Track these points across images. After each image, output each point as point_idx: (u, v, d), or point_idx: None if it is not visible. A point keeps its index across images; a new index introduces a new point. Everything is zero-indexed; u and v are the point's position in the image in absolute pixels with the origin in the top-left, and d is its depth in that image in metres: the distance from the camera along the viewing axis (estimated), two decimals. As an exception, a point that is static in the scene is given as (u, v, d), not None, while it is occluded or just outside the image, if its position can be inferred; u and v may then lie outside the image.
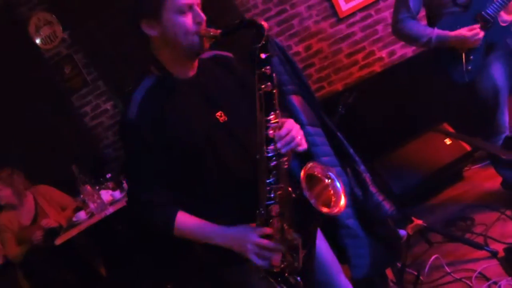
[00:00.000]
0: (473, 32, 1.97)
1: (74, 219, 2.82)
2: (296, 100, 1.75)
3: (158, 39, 1.19)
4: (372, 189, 1.78)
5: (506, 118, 2.18)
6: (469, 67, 2.05)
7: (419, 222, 2.24)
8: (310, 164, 1.22)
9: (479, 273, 1.94)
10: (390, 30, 3.10)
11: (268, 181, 1.14)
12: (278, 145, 1.12)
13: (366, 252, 1.75)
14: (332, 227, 1.73)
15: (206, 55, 1.31)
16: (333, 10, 3.33)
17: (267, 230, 1.16)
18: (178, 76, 1.22)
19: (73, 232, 2.68)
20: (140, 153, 1.20)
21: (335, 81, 3.47)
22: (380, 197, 1.78)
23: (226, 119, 1.23)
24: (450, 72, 2.10)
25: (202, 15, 1.17)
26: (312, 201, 1.15)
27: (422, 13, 2.19)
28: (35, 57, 3.49)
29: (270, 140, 1.12)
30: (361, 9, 3.31)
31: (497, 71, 2.08)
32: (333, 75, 3.46)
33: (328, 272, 1.46)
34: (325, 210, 1.18)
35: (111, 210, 2.72)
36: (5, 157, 3.28)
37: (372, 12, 3.32)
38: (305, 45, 3.42)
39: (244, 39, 1.12)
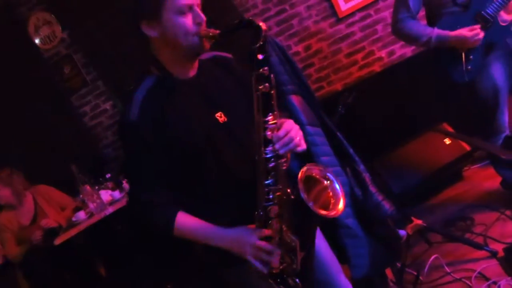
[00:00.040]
0: (474, 32, 1.97)
1: (73, 219, 2.82)
2: (296, 100, 1.75)
3: (158, 39, 1.19)
4: (372, 188, 1.78)
5: (506, 118, 2.18)
6: (469, 67, 2.05)
7: (419, 222, 2.24)
8: (308, 166, 1.22)
9: (479, 273, 1.94)
10: (389, 30, 3.11)
11: (266, 182, 1.13)
12: (276, 146, 1.11)
13: (365, 251, 1.75)
14: (332, 226, 1.73)
15: (206, 55, 1.31)
16: (332, 10, 3.34)
17: (266, 232, 1.16)
18: (178, 76, 1.22)
19: (73, 232, 2.68)
20: (140, 153, 1.20)
21: (334, 81, 3.47)
22: (380, 197, 1.78)
23: (226, 119, 1.23)
24: (450, 71, 2.10)
25: (202, 15, 1.17)
26: (310, 203, 1.15)
27: (422, 12, 2.19)
28: (34, 57, 3.49)
29: (268, 141, 1.12)
30: (361, 9, 3.31)
31: (497, 71, 2.08)
32: (333, 75, 3.46)
33: (328, 271, 1.46)
34: (323, 212, 1.17)
35: (110, 210, 2.72)
36: (4, 157, 3.28)
37: (372, 12, 3.32)
38: (305, 45, 3.42)
39: (244, 39, 1.11)
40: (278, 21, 3.40)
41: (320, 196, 1.23)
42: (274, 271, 1.21)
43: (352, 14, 3.32)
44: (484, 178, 2.69)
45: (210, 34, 1.14)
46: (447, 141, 2.69)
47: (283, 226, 1.18)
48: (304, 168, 1.20)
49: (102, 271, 3.02)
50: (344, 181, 1.76)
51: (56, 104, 3.54)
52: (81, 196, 2.86)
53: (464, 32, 1.98)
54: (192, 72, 1.25)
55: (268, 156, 1.12)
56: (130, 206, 1.31)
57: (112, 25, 3.30)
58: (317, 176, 1.24)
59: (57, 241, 2.66)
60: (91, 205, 2.74)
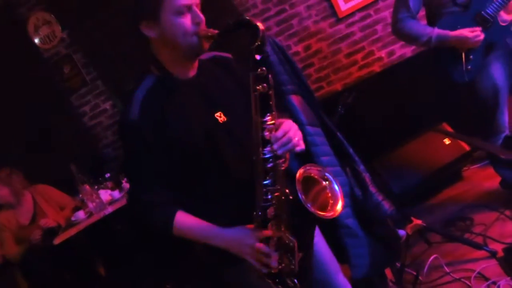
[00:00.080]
0: (475, 33, 1.97)
1: (72, 218, 2.82)
2: (295, 100, 1.75)
3: (158, 40, 1.19)
4: (372, 189, 1.78)
5: (506, 117, 2.18)
6: (469, 67, 2.05)
7: (418, 222, 2.24)
8: (306, 167, 1.21)
9: (478, 273, 1.94)
10: (389, 30, 3.12)
11: (264, 182, 1.13)
12: (275, 146, 1.11)
13: (365, 251, 1.75)
14: (332, 226, 1.73)
15: (206, 56, 1.32)
16: (332, 10, 3.34)
17: (265, 233, 1.16)
18: (178, 76, 1.23)
19: (72, 231, 2.68)
20: (140, 153, 1.20)
21: (334, 81, 3.47)
22: (380, 197, 1.78)
23: (225, 119, 1.23)
24: (450, 71, 2.10)
25: (201, 15, 1.17)
26: (308, 204, 1.15)
27: (422, 12, 2.19)
28: (34, 57, 3.49)
29: (267, 142, 1.11)
30: (360, 9, 3.32)
31: (497, 71, 2.08)
32: (332, 75, 3.46)
33: (327, 271, 1.46)
34: (321, 213, 1.17)
35: (110, 209, 2.72)
36: (4, 156, 3.27)
37: (371, 12, 3.33)
38: (305, 45, 3.42)
39: (244, 39, 1.11)
40: (278, 21, 3.40)
41: (318, 197, 1.22)
42: (272, 271, 1.21)
43: (352, 14, 3.33)
44: (484, 178, 2.69)
45: (209, 34, 1.14)
46: (447, 141, 2.69)
47: (282, 227, 1.18)
48: (302, 169, 1.20)
49: (102, 271, 3.02)
50: (344, 181, 1.76)
51: (56, 103, 3.54)
52: (80, 195, 2.86)
53: (464, 32, 1.99)
54: (192, 72, 1.25)
55: (266, 156, 1.12)
56: (130, 206, 1.30)
57: (111, 25, 3.30)
58: (316, 177, 1.23)
59: (56, 241, 2.66)
60: (91, 205, 2.74)
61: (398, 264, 2.11)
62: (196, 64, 1.26)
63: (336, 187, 1.23)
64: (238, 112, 1.25)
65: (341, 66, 3.44)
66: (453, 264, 2.08)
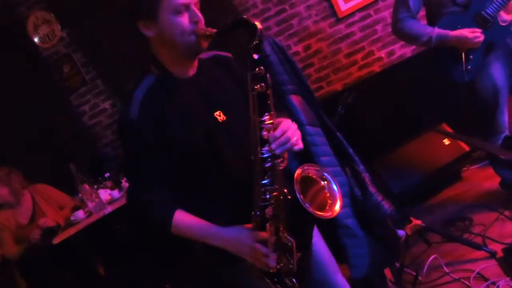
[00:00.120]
0: (475, 34, 1.97)
1: (72, 218, 2.82)
2: (295, 100, 1.75)
3: (156, 39, 1.19)
4: (371, 189, 1.78)
5: (506, 117, 2.18)
6: (469, 67, 2.06)
7: (418, 222, 2.24)
8: (305, 166, 1.21)
9: (478, 273, 1.94)
10: (389, 30, 3.12)
11: (263, 182, 1.13)
12: (273, 146, 1.11)
13: (365, 251, 1.75)
14: (331, 226, 1.73)
15: (206, 55, 1.32)
16: (332, 10, 3.34)
17: (263, 235, 1.16)
18: (178, 75, 1.22)
19: (71, 231, 2.68)
20: (140, 152, 1.20)
21: (334, 81, 3.47)
22: (379, 197, 1.78)
23: (225, 118, 1.23)
24: (450, 71, 2.11)
25: (199, 14, 1.16)
26: (306, 204, 1.14)
27: (422, 12, 2.19)
28: (33, 56, 3.48)
29: (265, 141, 1.11)
30: (360, 9, 3.32)
31: (497, 71, 2.08)
32: (332, 75, 3.46)
33: (325, 271, 1.46)
34: (319, 213, 1.17)
35: (109, 209, 2.71)
36: (3, 156, 3.27)
37: (371, 12, 3.33)
38: (304, 45, 3.42)
39: (243, 39, 1.11)
40: (278, 21, 3.40)
41: (317, 197, 1.22)
42: (271, 271, 1.21)
43: (352, 14, 3.33)
44: (483, 179, 2.70)
45: (207, 33, 1.14)
46: (446, 141, 2.70)
47: (280, 227, 1.18)
48: (300, 169, 1.20)
49: (101, 271, 3.02)
50: (343, 181, 1.76)
51: (55, 103, 3.53)
52: (80, 195, 2.85)
53: (464, 32, 1.99)
54: (192, 71, 1.25)
55: (264, 156, 1.11)
56: (129, 205, 1.30)
57: (111, 24, 3.30)
58: (314, 177, 1.23)
59: (56, 240, 2.65)
60: (90, 204, 2.74)
61: (397, 264, 2.12)
62: (195, 63, 1.26)
63: (335, 187, 1.23)
64: (237, 111, 1.25)
65: (341, 66, 3.44)
66: (452, 264, 2.08)
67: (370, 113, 3.04)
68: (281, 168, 1.15)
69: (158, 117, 1.17)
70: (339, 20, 3.35)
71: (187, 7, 1.14)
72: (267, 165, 1.12)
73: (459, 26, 2.00)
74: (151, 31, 1.17)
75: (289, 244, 1.18)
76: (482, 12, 1.98)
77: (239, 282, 1.34)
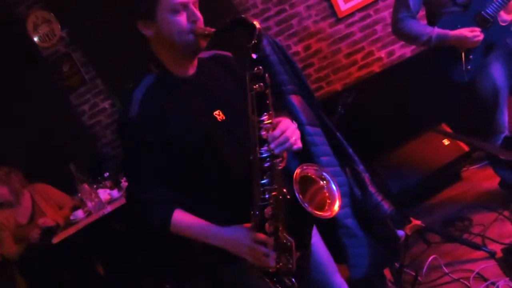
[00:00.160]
0: (474, 33, 1.97)
1: (71, 217, 2.81)
2: (295, 99, 1.74)
3: (155, 39, 1.19)
4: (371, 189, 1.78)
5: (506, 118, 2.18)
6: (469, 67, 2.06)
7: (418, 222, 2.24)
8: (304, 166, 1.21)
9: (477, 273, 1.94)
10: (389, 30, 3.12)
11: (262, 182, 1.13)
12: (272, 146, 1.11)
13: (364, 251, 1.75)
14: (331, 226, 1.73)
15: (206, 54, 1.32)
16: (332, 10, 3.34)
17: (262, 235, 1.16)
18: (177, 74, 1.23)
19: (71, 231, 2.68)
20: (139, 151, 1.20)
21: (334, 81, 3.47)
22: (379, 197, 1.78)
23: (224, 118, 1.23)
24: (450, 71, 2.11)
25: (198, 13, 1.17)
26: (305, 204, 1.14)
27: (422, 13, 2.19)
28: (33, 55, 3.48)
29: (264, 141, 1.11)
30: (360, 9, 3.32)
31: (497, 71, 2.08)
32: (332, 75, 3.46)
33: (324, 271, 1.46)
34: (318, 213, 1.17)
35: (109, 209, 2.71)
36: (3, 155, 3.26)
37: (371, 12, 3.33)
38: (304, 45, 3.42)
39: (243, 38, 1.11)
40: (278, 21, 3.40)
41: (316, 196, 1.22)
42: (270, 270, 1.21)
43: (351, 14, 3.33)
44: (483, 179, 2.70)
45: (206, 32, 1.14)
46: (446, 141, 2.70)
47: (279, 226, 1.18)
48: (299, 169, 1.20)
49: (100, 270, 3.02)
50: (343, 181, 1.76)
51: (55, 102, 3.53)
52: (79, 194, 2.85)
53: (464, 31, 1.99)
54: (192, 71, 1.25)
55: (263, 156, 1.11)
56: (129, 204, 1.30)
57: (111, 23, 3.29)
58: (313, 176, 1.23)
59: (55, 240, 2.65)
60: (90, 204, 2.74)
61: (397, 265, 2.12)
62: (195, 62, 1.26)
63: (334, 187, 1.23)
64: (237, 111, 1.24)
65: (341, 66, 3.44)
66: (452, 264, 2.09)
67: (369, 113, 3.04)
68: (280, 168, 1.15)
69: (157, 117, 1.17)
70: (339, 20, 3.35)
71: (185, 6, 1.14)
72: (266, 164, 1.12)
73: (459, 26, 2.01)
74: (150, 31, 1.18)
75: (289, 243, 1.18)
76: (482, 12, 1.98)
77: (239, 282, 1.34)
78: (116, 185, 3.06)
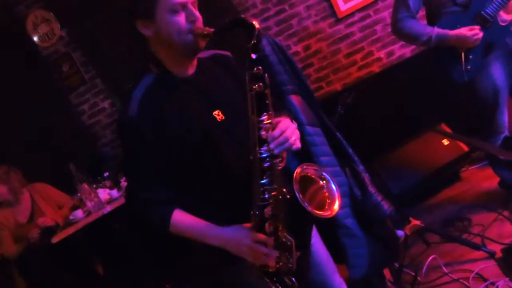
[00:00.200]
0: (473, 32, 1.97)
1: (71, 217, 2.81)
2: (295, 100, 1.74)
3: (154, 38, 1.19)
4: (371, 189, 1.78)
5: (506, 118, 2.18)
6: (469, 67, 2.06)
7: (417, 222, 2.25)
8: (304, 166, 1.21)
9: (477, 273, 1.94)
10: (388, 30, 3.12)
11: (262, 182, 1.13)
12: (271, 145, 1.11)
13: (364, 252, 1.75)
14: (330, 226, 1.73)
15: (205, 54, 1.32)
16: (332, 10, 3.34)
17: (262, 236, 1.16)
18: (177, 74, 1.23)
19: (70, 230, 2.68)
20: (139, 151, 1.20)
21: (333, 81, 3.47)
22: (379, 197, 1.78)
23: (223, 117, 1.23)
24: (450, 71, 2.11)
25: (197, 13, 1.17)
26: (305, 203, 1.14)
27: (422, 13, 2.19)
28: (32, 55, 3.47)
29: (263, 141, 1.11)
30: (360, 9, 3.32)
31: (497, 71, 2.08)
32: (332, 75, 3.47)
33: (323, 272, 1.46)
34: (318, 212, 1.17)
35: (108, 208, 2.71)
36: (2, 155, 3.26)
37: (371, 13, 3.33)
38: (304, 45, 3.42)
39: (242, 38, 1.11)
40: (278, 21, 3.40)
41: (315, 196, 1.23)
42: (270, 270, 1.21)
43: (351, 14, 3.33)
44: (482, 179, 2.70)
45: (205, 32, 1.14)
46: (445, 141, 2.70)
47: (279, 226, 1.18)
48: (299, 169, 1.20)
49: (100, 270, 3.02)
50: (343, 181, 1.76)
51: (55, 102, 3.53)
52: (79, 194, 2.85)
53: (463, 31, 1.99)
54: (191, 70, 1.25)
55: (263, 156, 1.11)
56: (128, 204, 1.30)
57: (110, 23, 3.29)
58: (313, 176, 1.24)
59: (55, 240, 2.65)
60: (89, 204, 2.73)
61: (396, 265, 2.12)
62: (195, 62, 1.26)
63: (334, 187, 1.23)
64: (237, 111, 1.24)
65: (341, 66, 3.44)
66: (451, 264, 2.09)
67: (369, 113, 3.05)
68: (280, 168, 1.15)
69: (157, 116, 1.17)
70: (338, 20, 3.35)
71: (184, 6, 1.14)
72: (266, 164, 1.12)
73: (458, 26, 2.01)
74: (149, 31, 1.18)
75: (289, 243, 1.18)
76: (482, 12, 1.98)
77: (239, 282, 1.34)
78: (115, 185, 3.06)
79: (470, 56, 2.04)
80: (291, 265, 1.21)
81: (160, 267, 2.83)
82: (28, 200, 3.00)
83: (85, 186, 2.75)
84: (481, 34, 1.97)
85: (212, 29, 1.13)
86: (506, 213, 2.25)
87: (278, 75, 1.73)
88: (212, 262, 1.33)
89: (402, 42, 3.23)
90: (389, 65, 3.37)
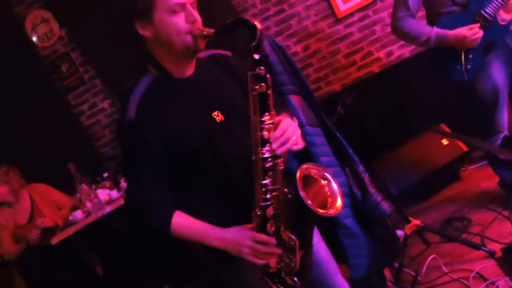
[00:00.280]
0: (473, 31, 1.97)
1: (70, 218, 2.81)
2: (295, 100, 1.74)
3: (153, 39, 1.18)
4: (371, 189, 1.78)
5: (505, 117, 2.19)
6: (468, 66, 2.06)
7: (417, 222, 2.25)
8: (306, 165, 1.22)
9: (477, 273, 1.95)
10: (388, 30, 3.13)
11: (263, 182, 1.13)
12: (273, 146, 1.11)
13: (364, 251, 1.75)
14: (331, 226, 1.73)
15: (204, 54, 1.31)
16: (331, 10, 3.34)
17: (263, 237, 1.16)
18: (175, 75, 1.22)
19: (70, 231, 2.67)
20: (138, 154, 1.20)
21: (333, 81, 3.47)
22: (379, 197, 1.78)
23: (223, 118, 1.23)
24: (450, 71, 2.11)
25: (196, 14, 1.16)
26: (308, 202, 1.15)
27: (422, 12, 2.20)
28: (31, 55, 3.47)
29: (265, 141, 1.11)
30: (359, 10, 3.32)
31: (497, 70, 2.08)
32: (331, 75, 3.47)
33: (325, 272, 1.46)
34: (321, 211, 1.17)
35: (108, 209, 2.70)
36: (1, 155, 3.25)
37: (370, 13, 3.33)
38: (303, 45, 3.42)
39: (243, 38, 1.11)
40: (277, 21, 3.40)
41: (317, 195, 1.23)
42: (271, 271, 1.21)
43: (350, 14, 3.33)
44: (482, 179, 2.70)
45: (204, 33, 1.14)
46: (445, 141, 2.70)
47: (281, 226, 1.18)
48: (303, 167, 1.20)
49: (99, 271, 3.01)
50: (343, 181, 1.76)
51: (54, 102, 3.52)
52: (78, 195, 2.84)
53: (463, 31, 1.99)
54: (190, 71, 1.24)
55: (265, 156, 1.12)
56: (128, 206, 1.30)
57: (110, 23, 3.29)
58: (315, 176, 1.24)
59: (54, 240, 2.64)
60: (89, 204, 2.73)
61: (396, 264, 2.12)
62: (193, 62, 1.25)
63: (335, 186, 1.23)
64: (236, 111, 1.24)
65: (340, 67, 3.44)
66: (451, 264, 2.09)
67: (368, 113, 3.04)
68: (281, 168, 1.15)
69: (156, 118, 1.17)
70: (338, 21, 3.36)
71: (183, 6, 1.14)
72: (268, 165, 1.12)
73: (458, 26, 2.01)
74: (148, 31, 1.17)
75: (292, 243, 1.18)
76: (481, 11, 1.98)
77: (239, 282, 1.34)
78: (115, 185, 3.05)
79: (470, 56, 2.04)
80: (293, 265, 1.20)
81: (159, 267, 2.83)
82: (28, 201, 2.99)
83: (85, 186, 2.74)
84: (480, 34, 1.97)
85: (212, 30, 1.13)
86: (505, 212, 2.25)
87: (278, 75, 1.73)
88: (211, 262, 1.33)
89: (401, 42, 3.24)
90: (388, 65, 3.37)
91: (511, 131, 2.24)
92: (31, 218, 2.95)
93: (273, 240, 1.16)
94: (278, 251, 1.18)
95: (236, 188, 1.21)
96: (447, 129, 2.72)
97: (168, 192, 1.22)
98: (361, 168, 1.82)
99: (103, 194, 2.87)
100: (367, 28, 3.36)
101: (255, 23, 1.06)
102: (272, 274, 1.22)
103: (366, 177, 1.82)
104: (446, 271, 2.05)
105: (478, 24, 1.98)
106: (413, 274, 2.08)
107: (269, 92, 1.10)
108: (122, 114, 1.20)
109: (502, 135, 2.18)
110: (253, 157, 1.13)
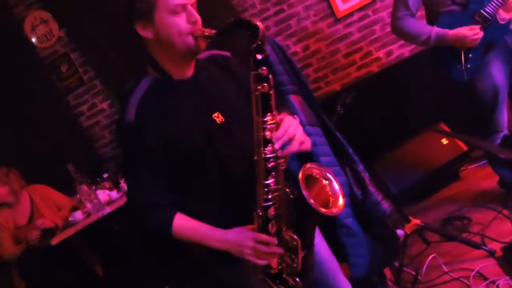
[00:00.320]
0: (473, 31, 1.98)
1: (70, 219, 2.80)
2: (295, 99, 1.75)
3: (153, 40, 1.18)
4: (371, 188, 1.78)
5: (505, 116, 2.19)
6: (468, 66, 2.06)
7: (417, 221, 2.25)
8: (308, 165, 1.21)
9: (477, 272, 1.95)
10: (387, 30, 3.13)
11: (266, 182, 1.13)
12: (276, 146, 1.11)
13: (364, 251, 1.75)
14: (331, 226, 1.73)
15: (204, 55, 1.31)
16: (330, 10, 3.34)
17: (265, 237, 1.16)
18: (175, 76, 1.22)
19: (70, 232, 2.67)
20: (138, 155, 1.19)
21: (332, 81, 3.47)
22: (379, 197, 1.78)
23: (223, 119, 1.22)
24: (449, 70, 2.11)
25: (196, 15, 1.16)
26: (311, 201, 1.15)
27: (422, 12, 2.20)
28: (31, 56, 3.47)
29: (267, 141, 1.11)
30: (359, 9, 3.32)
31: (496, 69, 2.08)
32: (331, 75, 3.47)
33: (327, 271, 1.46)
34: (323, 210, 1.17)
35: (108, 210, 2.70)
36: (1, 155, 3.25)
37: (370, 13, 3.33)
38: (303, 45, 3.43)
39: (243, 39, 1.11)
40: (276, 21, 3.40)
41: (319, 195, 1.23)
42: (272, 271, 1.21)
43: (350, 14, 3.33)
44: (481, 178, 2.70)
45: (206, 33, 1.13)
46: (445, 141, 2.70)
47: (283, 226, 1.18)
48: (306, 167, 1.20)
49: (99, 271, 3.01)
50: (343, 181, 1.76)
51: (53, 103, 3.52)
52: (78, 196, 2.84)
53: (463, 30, 1.99)
54: (189, 72, 1.24)
55: (267, 156, 1.11)
56: (129, 208, 1.29)
57: (109, 23, 3.29)
58: (317, 176, 1.24)
59: (54, 241, 2.64)
60: (88, 205, 2.73)
61: (396, 264, 2.12)
62: (193, 63, 1.25)
63: (336, 186, 1.23)
64: (237, 112, 1.24)
65: (340, 66, 3.44)
66: (451, 263, 2.09)
67: (368, 113, 3.05)
68: (283, 168, 1.15)
69: (155, 119, 1.16)
70: (337, 21, 3.36)
71: (183, 7, 1.14)
72: (270, 165, 1.12)
73: (457, 25, 2.01)
74: (148, 32, 1.17)
75: (294, 243, 1.18)
76: (481, 11, 1.98)
77: (239, 282, 1.33)
78: (115, 186, 3.05)
79: (470, 55, 2.04)
80: (295, 265, 1.20)
81: (159, 268, 2.83)
82: (28, 202, 2.99)
83: (85, 187, 2.74)
84: (481, 34, 1.98)
85: (214, 31, 1.12)
86: (505, 211, 2.25)
87: (278, 75, 1.73)
88: (211, 263, 1.33)
89: (401, 42, 3.24)
90: (388, 65, 3.37)
91: (511, 130, 2.24)
92: (31, 219, 2.95)
93: (274, 240, 1.16)
94: (280, 251, 1.18)
95: (236, 189, 1.20)
96: (447, 129, 2.72)
97: (168, 193, 1.22)
98: (361, 167, 1.82)
99: (103, 194, 2.87)
100: (367, 28, 3.36)
101: (257, 23, 1.06)
102: (274, 275, 1.22)
103: (366, 176, 1.82)
104: (446, 270, 2.05)
105: (479, 26, 1.98)
106: (413, 273, 2.08)
107: (271, 92, 1.10)
108: (121, 115, 1.20)
109: (502, 134, 2.18)
110: (255, 157, 1.12)
